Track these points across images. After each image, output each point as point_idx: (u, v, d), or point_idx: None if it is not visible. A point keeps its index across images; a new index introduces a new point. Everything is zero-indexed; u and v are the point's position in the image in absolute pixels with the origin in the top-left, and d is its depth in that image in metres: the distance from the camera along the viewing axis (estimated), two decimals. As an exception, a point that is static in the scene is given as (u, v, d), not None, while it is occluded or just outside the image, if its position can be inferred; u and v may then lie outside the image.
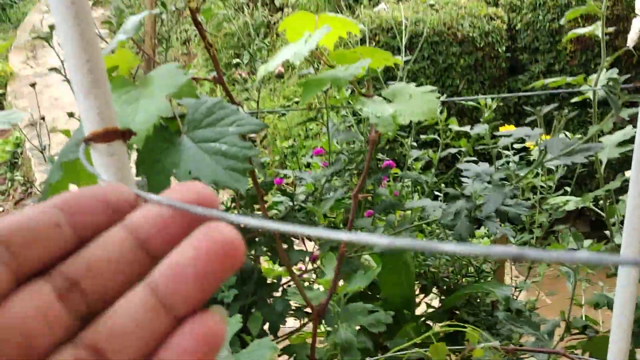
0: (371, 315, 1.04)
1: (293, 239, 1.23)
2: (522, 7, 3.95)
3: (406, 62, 1.25)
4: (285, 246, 1.15)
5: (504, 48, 3.92)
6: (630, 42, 1.48)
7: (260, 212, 1.19)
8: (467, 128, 1.14)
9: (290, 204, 1.15)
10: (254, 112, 1.05)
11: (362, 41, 4.05)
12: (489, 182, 0.93)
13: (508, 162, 1.10)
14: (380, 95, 0.96)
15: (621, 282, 0.86)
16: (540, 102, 3.62)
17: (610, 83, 0.82)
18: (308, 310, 1.21)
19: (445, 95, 1.36)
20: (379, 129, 0.80)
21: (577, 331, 1.04)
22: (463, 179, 1.02)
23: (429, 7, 3.97)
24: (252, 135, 1.11)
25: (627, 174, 1.46)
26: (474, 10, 3.94)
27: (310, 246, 1.72)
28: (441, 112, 1.35)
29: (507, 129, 1.58)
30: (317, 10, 5.91)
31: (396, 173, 1.50)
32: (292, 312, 1.14)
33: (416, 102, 0.84)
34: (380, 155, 1.38)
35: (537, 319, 1.34)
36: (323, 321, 1.14)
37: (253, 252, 1.10)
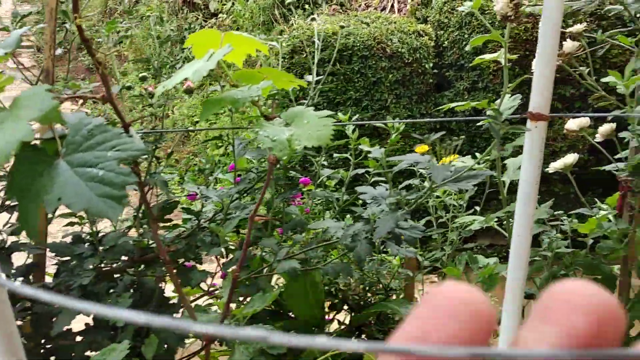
0: (272, 337, 1.03)
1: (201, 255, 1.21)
2: (449, 25, 4.07)
3: (317, 82, 1.25)
4: (190, 264, 1.13)
5: (431, 64, 4.02)
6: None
7: (164, 232, 1.16)
8: (375, 149, 1.15)
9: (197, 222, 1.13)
10: (156, 131, 1.02)
11: (293, 52, 4.06)
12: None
13: (410, 185, 1.12)
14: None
15: (506, 307, 0.89)
16: (464, 121, 3.73)
17: (492, 113, 0.84)
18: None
19: (369, 114, 1.37)
20: (274, 152, 0.79)
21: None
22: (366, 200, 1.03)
23: (360, 22, 4.03)
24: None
25: (530, 195, 1.52)
26: (403, 26, 4.02)
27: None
28: (353, 132, 1.37)
29: (423, 148, 1.62)
30: (252, 18, 5.89)
31: (311, 190, 1.51)
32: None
33: (312, 126, 0.84)
34: (294, 173, 1.38)
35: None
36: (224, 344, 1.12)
37: (154, 272, 1.07)
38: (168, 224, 1.16)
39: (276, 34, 5.48)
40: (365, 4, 5.50)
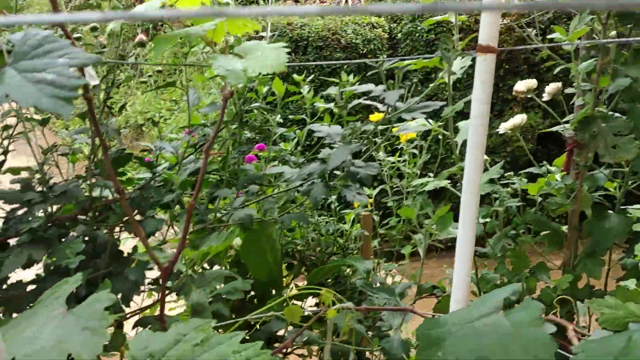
0: (229, 283, 1.02)
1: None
2: (403, 18, 4.14)
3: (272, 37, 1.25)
4: (139, 218, 1.11)
5: (385, 56, 4.08)
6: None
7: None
8: (331, 105, 1.16)
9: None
10: (109, 62, 1.01)
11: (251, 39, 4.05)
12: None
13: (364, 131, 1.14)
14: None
15: (459, 246, 0.91)
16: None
17: (444, 45, 0.87)
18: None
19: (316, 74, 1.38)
20: (229, 80, 0.80)
21: (427, 293, 1.08)
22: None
23: (315, 13, 4.05)
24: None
25: (481, 156, 1.56)
26: (357, 18, 4.07)
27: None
28: (308, 92, 1.38)
29: (377, 116, 1.64)
30: (206, 14, 5.85)
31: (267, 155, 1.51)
32: (150, 285, 1.10)
33: (266, 56, 0.85)
34: (250, 135, 1.38)
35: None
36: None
37: (107, 223, 1.05)
38: (121, 177, 1.14)
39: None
40: (320, 0, 5.54)
